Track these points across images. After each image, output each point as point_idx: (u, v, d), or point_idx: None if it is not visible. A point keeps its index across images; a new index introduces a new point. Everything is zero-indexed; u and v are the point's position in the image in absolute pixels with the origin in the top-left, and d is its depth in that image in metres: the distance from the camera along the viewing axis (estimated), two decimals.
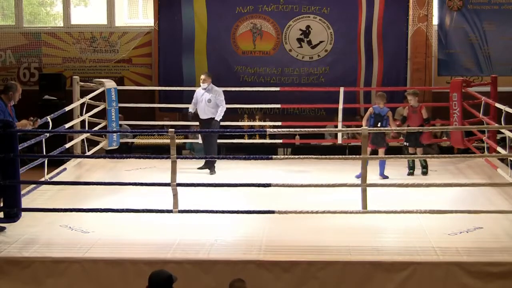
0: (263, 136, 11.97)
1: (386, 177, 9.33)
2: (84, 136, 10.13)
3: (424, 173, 9.69)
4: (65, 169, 9.46)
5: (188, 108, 10.47)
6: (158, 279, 4.75)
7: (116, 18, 14.24)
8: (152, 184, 7.42)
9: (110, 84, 10.77)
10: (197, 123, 10.52)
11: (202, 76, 10.24)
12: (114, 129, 10.58)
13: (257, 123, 12.63)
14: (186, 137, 11.93)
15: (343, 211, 6.95)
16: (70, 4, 14.25)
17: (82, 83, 10.76)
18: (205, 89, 10.10)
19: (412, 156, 9.61)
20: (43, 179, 8.35)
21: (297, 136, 11.97)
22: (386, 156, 9.25)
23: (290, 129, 8.85)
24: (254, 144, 12.00)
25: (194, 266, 6.18)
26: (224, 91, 10.23)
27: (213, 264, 6.20)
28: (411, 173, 9.65)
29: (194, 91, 12.78)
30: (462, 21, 13.27)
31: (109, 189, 8.09)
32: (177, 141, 8.46)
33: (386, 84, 13.05)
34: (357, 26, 13.12)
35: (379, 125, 9.36)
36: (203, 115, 10.14)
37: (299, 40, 13.39)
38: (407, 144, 9.69)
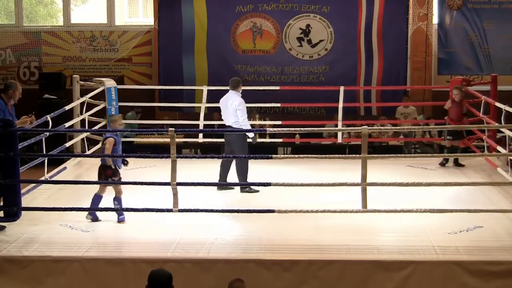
0: (263, 135, 11.95)
1: (97, 219, 7.32)
2: (84, 135, 10.14)
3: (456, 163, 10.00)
4: (65, 168, 9.46)
5: (188, 107, 10.38)
6: (158, 278, 4.75)
7: (116, 17, 14.25)
8: (152, 183, 7.41)
9: (110, 83, 10.77)
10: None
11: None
12: None
13: (257, 122, 12.61)
14: (186, 136, 11.92)
15: (343, 210, 6.95)
16: (70, 3, 14.25)
17: (82, 82, 10.76)
18: None
19: (411, 155, 9.59)
20: (43, 178, 8.35)
21: (297, 135, 11.96)
22: (387, 155, 9.20)
23: (290, 128, 8.83)
24: (254, 143, 11.96)
25: (194, 265, 6.17)
26: (224, 90, 10.16)
27: (213, 263, 6.20)
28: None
29: (194, 90, 12.90)
30: (462, 20, 13.27)
31: (109, 188, 8.07)
32: (177, 140, 8.47)
33: (386, 83, 13.05)
34: (357, 25, 13.11)
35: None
36: None
37: (299, 39, 13.38)
38: (450, 137, 9.89)
